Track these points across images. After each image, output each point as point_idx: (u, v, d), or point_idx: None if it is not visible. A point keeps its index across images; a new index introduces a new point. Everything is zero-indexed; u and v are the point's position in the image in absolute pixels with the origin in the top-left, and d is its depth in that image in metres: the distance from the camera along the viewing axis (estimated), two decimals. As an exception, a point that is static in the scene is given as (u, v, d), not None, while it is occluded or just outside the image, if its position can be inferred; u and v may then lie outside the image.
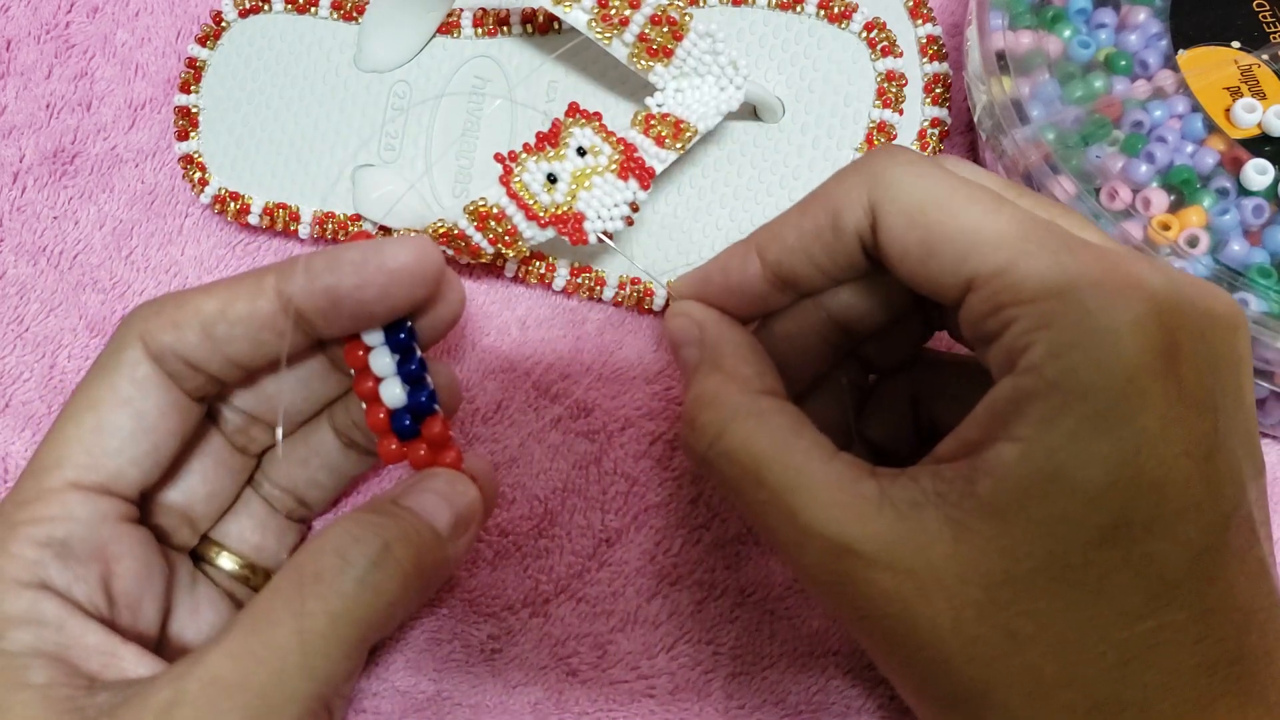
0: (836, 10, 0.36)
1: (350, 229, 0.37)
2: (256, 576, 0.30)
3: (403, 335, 0.26)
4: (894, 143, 0.26)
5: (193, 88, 0.39)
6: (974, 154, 0.38)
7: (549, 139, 0.34)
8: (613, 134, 0.33)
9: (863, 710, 0.33)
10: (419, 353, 0.26)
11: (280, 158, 0.38)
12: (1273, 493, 0.35)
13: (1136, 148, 0.32)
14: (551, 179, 0.33)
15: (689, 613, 0.34)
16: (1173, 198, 0.31)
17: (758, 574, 0.34)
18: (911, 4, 0.38)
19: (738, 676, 0.33)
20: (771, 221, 0.27)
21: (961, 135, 0.39)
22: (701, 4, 0.37)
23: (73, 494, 0.25)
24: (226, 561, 0.30)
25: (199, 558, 0.30)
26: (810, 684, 0.33)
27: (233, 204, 0.38)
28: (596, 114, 0.33)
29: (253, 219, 0.38)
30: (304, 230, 0.38)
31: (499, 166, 0.34)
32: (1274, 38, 0.33)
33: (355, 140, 0.38)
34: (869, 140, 0.35)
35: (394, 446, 0.26)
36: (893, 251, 0.24)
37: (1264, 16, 0.34)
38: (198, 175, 0.38)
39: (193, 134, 0.39)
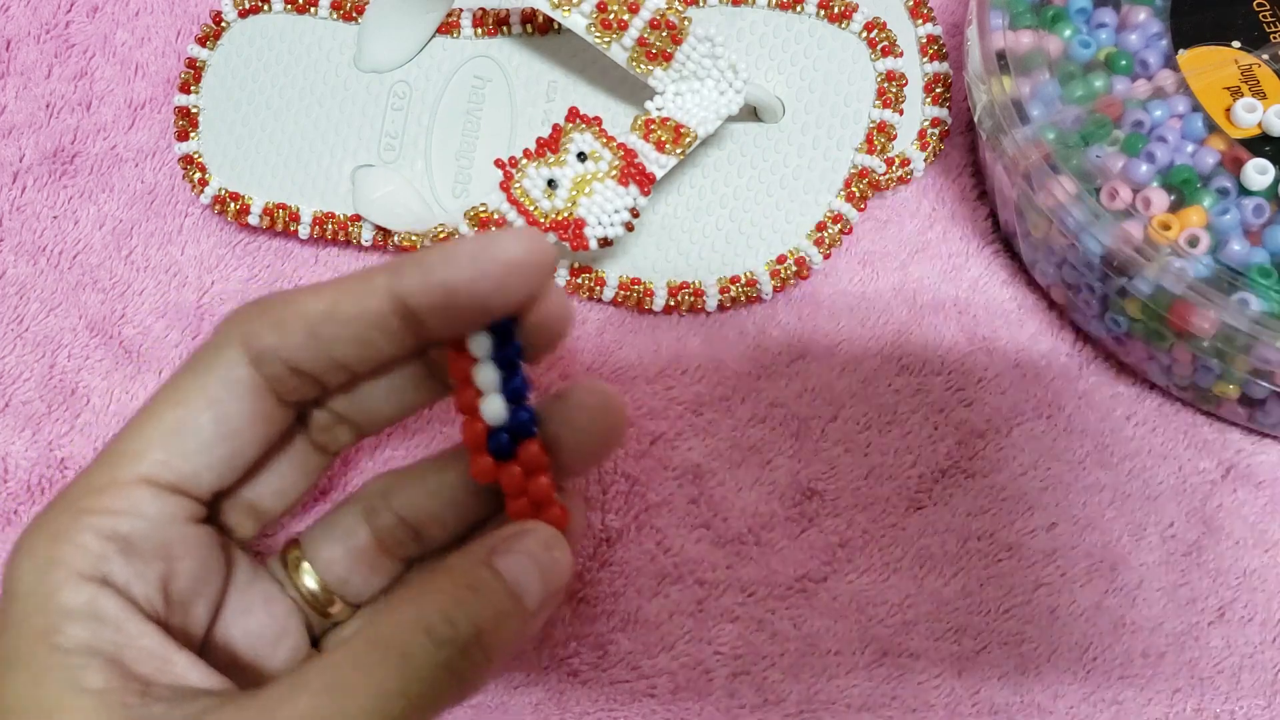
0: (836, 10, 0.36)
1: (350, 229, 0.37)
2: (327, 598, 0.29)
3: (511, 350, 0.25)
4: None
5: (192, 88, 0.39)
6: (974, 154, 0.38)
7: (549, 145, 0.34)
8: (613, 139, 0.33)
9: (863, 710, 0.33)
10: (524, 371, 0.25)
11: (280, 158, 0.38)
12: (1272, 493, 0.35)
13: (1137, 147, 0.32)
14: (552, 184, 0.33)
15: (689, 613, 0.34)
16: (1173, 197, 0.31)
17: (758, 574, 0.34)
18: (912, 4, 0.38)
19: (738, 676, 0.33)
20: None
21: (961, 135, 0.39)
22: (701, 4, 0.37)
23: (144, 490, 0.24)
24: (309, 579, 0.28)
25: (285, 559, 0.29)
26: (810, 684, 0.33)
27: (233, 204, 0.38)
28: (596, 119, 0.33)
29: (253, 219, 0.38)
30: (304, 230, 0.38)
31: (499, 168, 0.34)
32: (1274, 37, 0.33)
33: (355, 140, 0.38)
34: (869, 140, 0.35)
35: (488, 465, 0.25)
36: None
37: (1264, 16, 0.34)
38: (198, 175, 0.38)
39: (193, 134, 0.39)
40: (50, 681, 0.22)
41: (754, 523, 0.35)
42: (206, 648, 0.26)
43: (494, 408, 0.25)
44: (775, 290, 0.36)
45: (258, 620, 0.27)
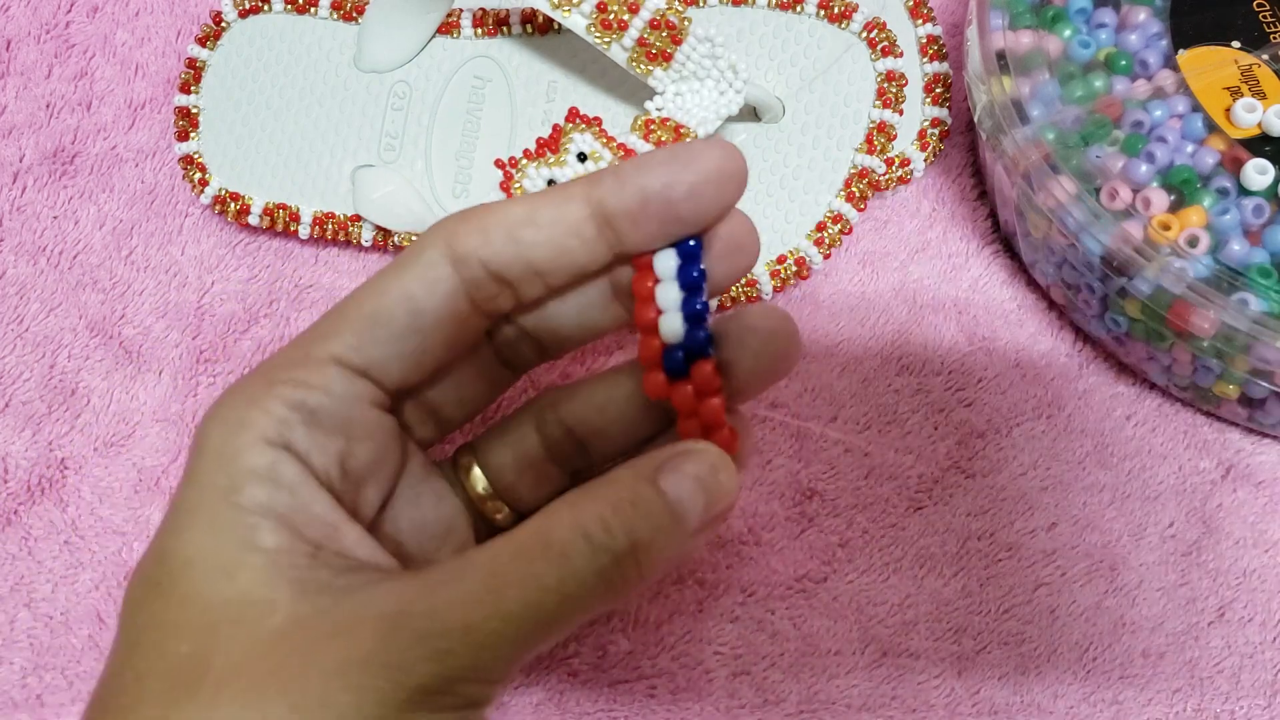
0: (836, 10, 0.36)
1: (350, 229, 0.37)
2: (494, 504, 0.29)
3: (695, 272, 0.25)
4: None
5: (193, 88, 0.39)
6: (974, 154, 0.38)
7: (549, 145, 0.34)
8: (613, 139, 0.33)
9: (863, 710, 0.33)
10: (706, 294, 0.25)
11: (280, 158, 0.38)
12: (1272, 493, 0.35)
13: (1136, 148, 0.32)
14: (552, 185, 0.33)
15: (689, 613, 0.34)
16: (1173, 198, 0.31)
17: (758, 574, 0.34)
18: (912, 4, 0.38)
19: (738, 676, 0.33)
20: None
21: (961, 135, 0.39)
22: (701, 4, 0.37)
23: (334, 368, 0.25)
24: (479, 482, 0.29)
25: (456, 463, 0.30)
26: (810, 684, 0.33)
27: (233, 204, 0.38)
28: (596, 119, 0.33)
29: (253, 219, 0.38)
30: (304, 230, 0.38)
31: (499, 168, 0.34)
32: (1274, 37, 0.33)
33: (355, 140, 0.38)
34: (869, 140, 0.35)
35: (661, 382, 0.25)
36: None
37: (1264, 16, 0.34)
38: (198, 175, 0.38)
39: (193, 134, 0.39)
40: (227, 537, 0.23)
41: (754, 523, 0.35)
42: (375, 532, 0.27)
43: (672, 325, 0.25)
44: (775, 290, 0.36)
45: (426, 514, 0.28)
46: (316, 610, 0.22)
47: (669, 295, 0.25)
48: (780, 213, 0.36)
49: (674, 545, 0.23)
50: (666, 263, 0.25)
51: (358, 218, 0.37)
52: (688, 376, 0.25)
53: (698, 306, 0.25)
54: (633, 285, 0.26)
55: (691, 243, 0.25)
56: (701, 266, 0.25)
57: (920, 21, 0.38)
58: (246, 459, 0.24)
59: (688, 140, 0.25)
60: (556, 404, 0.29)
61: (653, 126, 0.34)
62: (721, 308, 0.36)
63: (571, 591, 0.22)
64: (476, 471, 0.29)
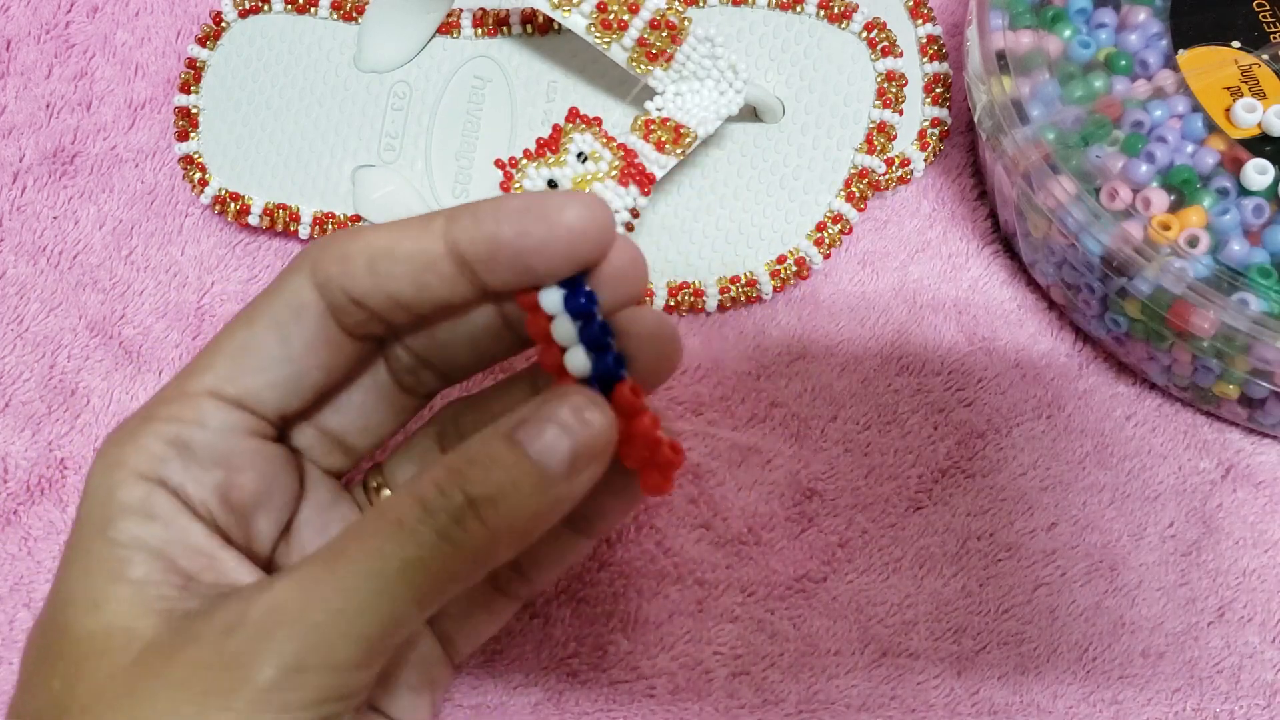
0: (836, 10, 0.36)
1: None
2: None
3: (582, 300, 0.24)
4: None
5: (193, 88, 0.39)
6: (974, 154, 0.38)
7: (549, 145, 0.34)
8: (613, 139, 0.33)
9: (862, 710, 0.33)
10: (599, 316, 0.25)
11: (280, 158, 0.38)
12: (1272, 493, 0.35)
13: (1136, 148, 0.32)
14: (552, 185, 0.33)
15: (689, 613, 0.34)
16: (1173, 198, 0.31)
17: (758, 574, 0.34)
18: (912, 4, 0.38)
19: (737, 676, 0.33)
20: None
21: (961, 135, 0.39)
22: (701, 4, 0.37)
23: (208, 401, 0.25)
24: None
25: (365, 485, 0.30)
26: (810, 684, 0.33)
27: (233, 204, 0.38)
28: (596, 119, 0.33)
29: (253, 219, 0.38)
30: (304, 230, 0.38)
31: (499, 168, 0.34)
32: (1274, 37, 0.33)
33: (355, 140, 0.38)
34: (869, 140, 0.35)
35: None
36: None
37: (1264, 16, 0.34)
38: (198, 175, 0.38)
39: (193, 134, 0.39)
40: (97, 571, 0.23)
41: (754, 523, 0.35)
42: (279, 559, 0.27)
43: (578, 360, 0.24)
44: (775, 290, 0.36)
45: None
46: (175, 633, 0.22)
47: (565, 329, 0.24)
48: (780, 213, 0.36)
49: (534, 493, 0.23)
50: (552, 297, 0.24)
51: (358, 218, 0.37)
52: (610, 404, 0.24)
53: (594, 331, 0.24)
54: (527, 328, 0.25)
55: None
56: (588, 290, 0.24)
57: (920, 21, 0.38)
58: (120, 494, 0.24)
59: (555, 192, 0.25)
60: (458, 417, 0.29)
61: (653, 126, 0.34)
62: (722, 309, 0.36)
63: (413, 558, 0.22)
64: (386, 493, 0.29)
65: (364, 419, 0.28)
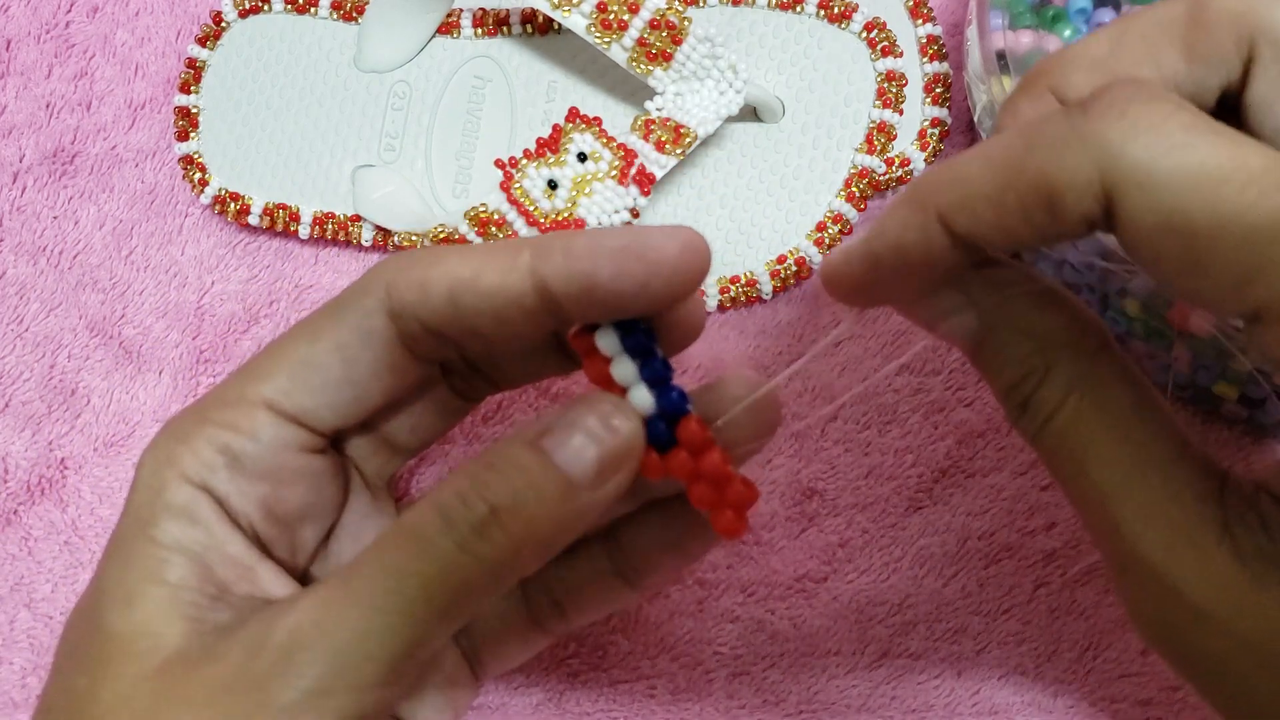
0: (836, 10, 0.36)
1: (350, 229, 0.37)
2: None
3: (643, 336, 0.23)
4: (1122, 89, 0.19)
5: (193, 88, 0.39)
6: (974, 153, 0.38)
7: (549, 145, 0.34)
8: (613, 139, 0.33)
9: (863, 710, 0.33)
10: (659, 352, 0.24)
11: (280, 158, 0.38)
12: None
13: (1136, 148, 0.32)
14: (552, 185, 0.33)
15: (689, 613, 0.34)
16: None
17: (758, 574, 0.34)
18: (912, 4, 0.38)
19: (738, 676, 0.33)
20: (947, 180, 0.20)
21: (962, 135, 0.39)
22: (701, 4, 0.37)
23: (264, 413, 0.24)
24: None
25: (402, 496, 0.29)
26: (810, 684, 0.33)
27: (233, 204, 0.38)
28: (596, 119, 0.33)
29: (253, 219, 0.38)
30: (304, 230, 0.38)
31: (499, 168, 0.34)
32: (1274, 37, 0.33)
33: (355, 140, 0.38)
34: (869, 140, 0.35)
35: (654, 461, 0.23)
36: (1144, 257, 0.19)
37: (1264, 16, 0.34)
38: (198, 175, 0.38)
39: (193, 134, 0.39)
40: (136, 568, 0.23)
41: (754, 523, 0.35)
42: (318, 566, 0.27)
43: (641, 398, 0.23)
44: (775, 290, 0.36)
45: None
46: (201, 646, 0.22)
47: (626, 370, 0.23)
48: (780, 213, 0.36)
49: (558, 502, 0.22)
50: (609, 340, 0.24)
51: (358, 218, 0.37)
52: (676, 443, 0.23)
53: (655, 368, 0.23)
54: (586, 372, 0.24)
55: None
56: (644, 326, 0.24)
57: (920, 21, 0.37)
58: (167, 494, 0.24)
59: (651, 228, 0.23)
60: None
61: (653, 126, 0.34)
62: (722, 309, 0.36)
63: (433, 573, 0.21)
64: None
65: (413, 421, 0.28)
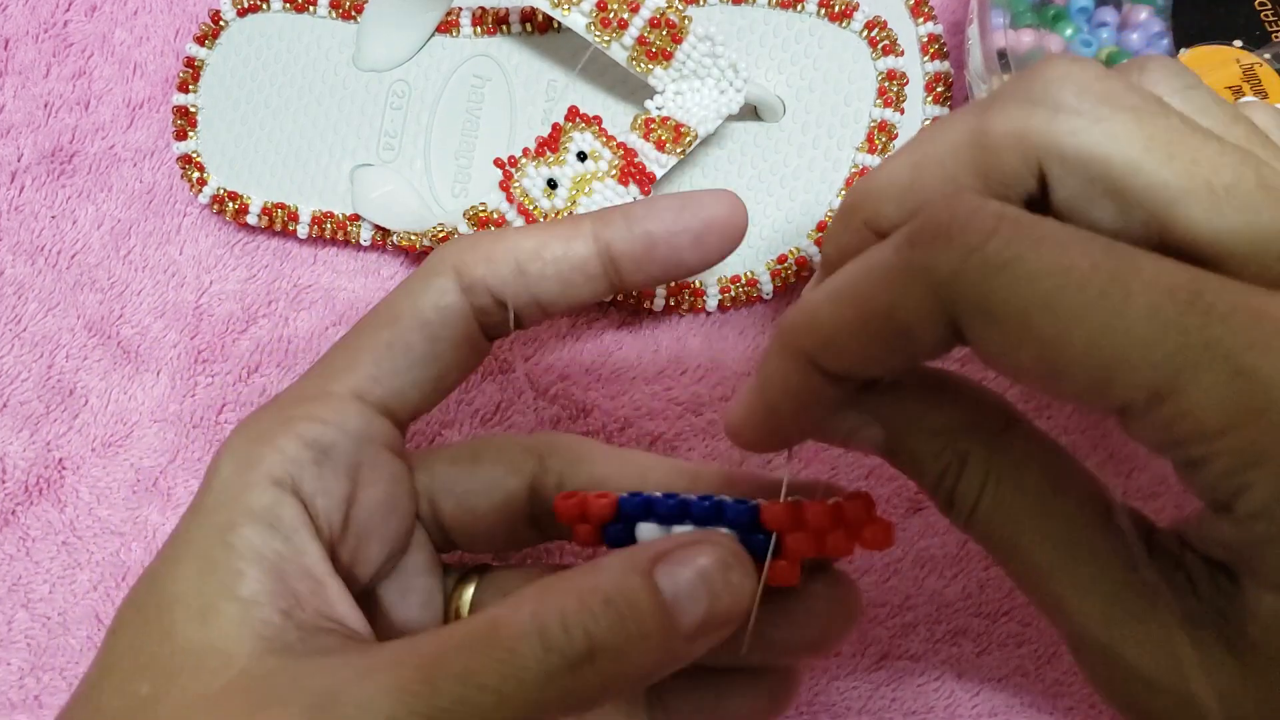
0: (837, 9, 0.36)
1: (349, 228, 0.37)
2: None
3: (671, 503, 0.22)
4: (940, 211, 0.19)
5: (191, 87, 0.39)
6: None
7: (549, 144, 0.33)
8: (613, 138, 0.33)
9: (863, 712, 0.33)
10: (691, 497, 0.23)
11: (279, 157, 0.38)
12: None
13: (1138, 148, 0.32)
14: (552, 184, 0.33)
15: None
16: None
17: (758, 575, 0.34)
18: (913, 2, 0.37)
19: (738, 678, 0.33)
20: (805, 325, 0.21)
21: (962, 134, 0.39)
22: (701, 3, 0.37)
23: (353, 404, 0.25)
24: (465, 605, 0.28)
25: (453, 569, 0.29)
26: (810, 684, 0.33)
27: (231, 204, 0.38)
28: (596, 118, 0.33)
29: (251, 218, 0.38)
30: (302, 230, 0.38)
31: (498, 168, 0.34)
32: (1276, 37, 0.33)
33: (354, 139, 0.38)
34: (869, 139, 0.35)
35: (783, 568, 0.22)
36: (1003, 371, 0.19)
37: (1265, 16, 0.34)
38: (196, 175, 0.38)
39: (191, 133, 0.39)
40: (212, 579, 0.23)
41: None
42: (366, 604, 0.26)
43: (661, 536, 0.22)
44: (775, 290, 0.36)
45: (413, 607, 0.27)
46: (267, 672, 0.22)
47: (651, 533, 0.23)
48: (780, 212, 0.36)
49: (657, 651, 0.21)
50: (614, 533, 0.23)
51: (356, 217, 0.37)
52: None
53: (710, 511, 0.22)
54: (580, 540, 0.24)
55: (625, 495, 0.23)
56: (656, 496, 0.23)
57: (921, 20, 0.37)
58: (249, 498, 0.23)
59: (696, 191, 0.26)
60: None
61: (653, 125, 0.34)
62: (722, 309, 0.36)
63: (512, 694, 0.20)
64: (469, 593, 0.28)
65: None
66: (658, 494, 0.23)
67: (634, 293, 0.36)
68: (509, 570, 0.29)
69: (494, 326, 0.27)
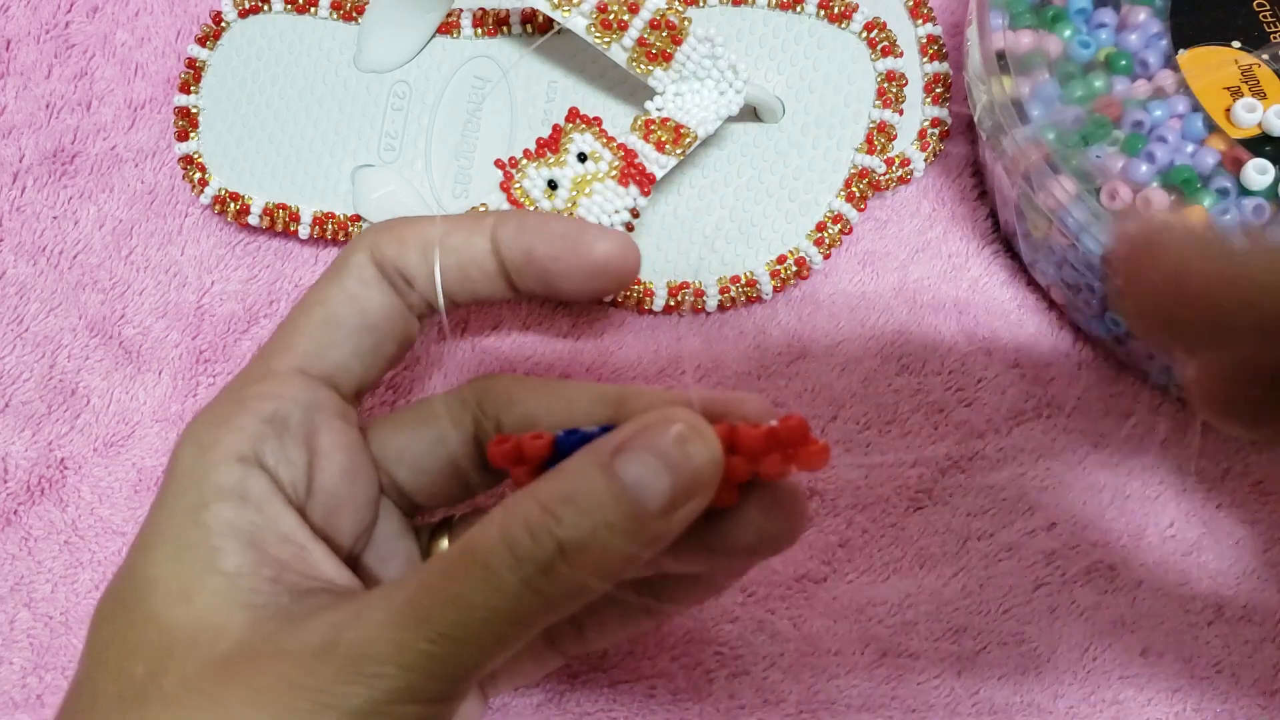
0: (837, 10, 0.36)
1: (350, 229, 0.37)
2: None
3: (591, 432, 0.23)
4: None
5: (192, 88, 0.39)
6: (974, 154, 0.38)
7: (549, 145, 0.34)
8: (613, 139, 0.33)
9: (863, 710, 0.33)
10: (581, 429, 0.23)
11: (280, 158, 0.38)
12: (1272, 493, 0.35)
13: (1137, 147, 0.32)
14: (552, 185, 0.33)
15: (689, 613, 0.34)
16: (1173, 197, 0.31)
17: (758, 574, 0.34)
18: (912, 4, 0.38)
19: (738, 676, 0.33)
20: None
21: (961, 135, 0.39)
22: (701, 4, 0.37)
23: (298, 378, 0.26)
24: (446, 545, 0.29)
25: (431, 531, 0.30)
26: (810, 683, 0.33)
27: (233, 204, 0.38)
28: (596, 119, 0.33)
29: (252, 219, 0.38)
30: (304, 230, 0.38)
31: (499, 168, 0.34)
32: (1274, 37, 0.33)
33: (355, 140, 0.38)
34: (869, 140, 0.35)
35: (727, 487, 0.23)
36: None
37: (1264, 16, 0.34)
38: (197, 175, 0.38)
39: (192, 134, 0.39)
40: (190, 558, 0.23)
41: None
42: (368, 554, 0.28)
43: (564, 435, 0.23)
44: (775, 290, 0.36)
45: (394, 568, 0.28)
46: (264, 636, 0.22)
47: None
48: (780, 213, 0.36)
49: (628, 535, 0.21)
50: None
51: (358, 218, 0.37)
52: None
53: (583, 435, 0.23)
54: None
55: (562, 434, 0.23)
56: (592, 431, 0.23)
57: (920, 21, 0.38)
58: (215, 476, 0.24)
59: (593, 226, 0.27)
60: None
61: (653, 126, 0.34)
62: (722, 309, 0.36)
63: (499, 606, 0.21)
64: (444, 544, 0.29)
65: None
66: (594, 428, 0.23)
67: (634, 293, 0.36)
68: (478, 514, 0.30)
69: (418, 305, 0.28)
